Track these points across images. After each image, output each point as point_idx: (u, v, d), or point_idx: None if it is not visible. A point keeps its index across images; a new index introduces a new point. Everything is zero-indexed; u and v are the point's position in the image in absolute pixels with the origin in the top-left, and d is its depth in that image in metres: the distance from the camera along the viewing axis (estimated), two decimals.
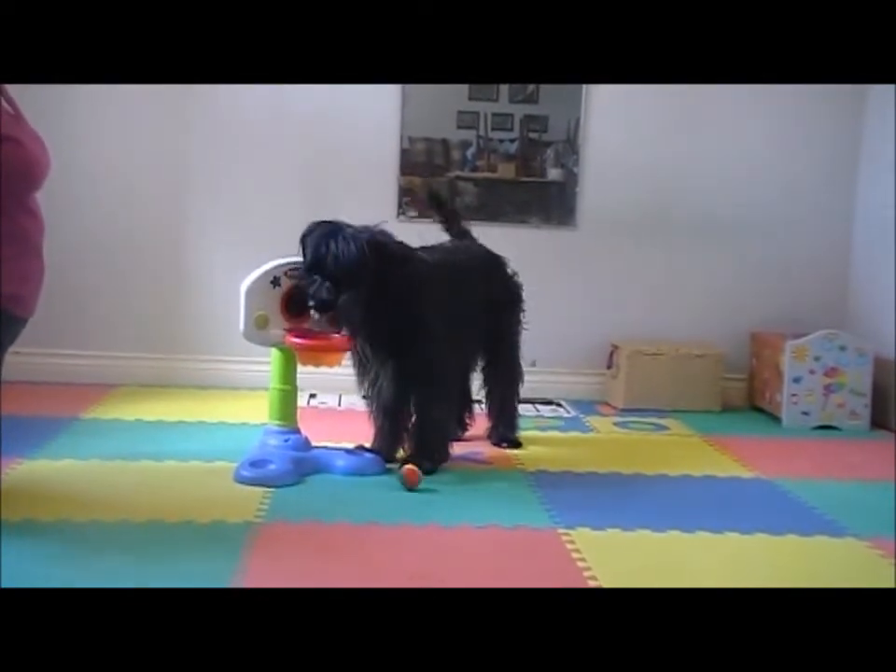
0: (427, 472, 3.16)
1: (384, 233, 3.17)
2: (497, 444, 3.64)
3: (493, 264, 3.62)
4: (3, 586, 2.20)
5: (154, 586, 2.27)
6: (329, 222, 3.13)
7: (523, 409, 4.35)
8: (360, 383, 3.33)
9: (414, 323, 3.18)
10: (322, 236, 3.08)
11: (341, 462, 3.23)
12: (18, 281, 2.80)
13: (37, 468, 3.17)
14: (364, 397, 3.37)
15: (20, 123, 2.81)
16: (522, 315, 3.68)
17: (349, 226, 3.11)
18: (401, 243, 3.24)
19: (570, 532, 2.79)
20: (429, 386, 3.25)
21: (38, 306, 2.93)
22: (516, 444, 3.66)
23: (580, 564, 2.56)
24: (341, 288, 3.06)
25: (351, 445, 3.37)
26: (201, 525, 2.73)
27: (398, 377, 3.22)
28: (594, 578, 2.46)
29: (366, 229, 3.12)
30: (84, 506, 2.82)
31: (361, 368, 3.29)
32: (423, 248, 3.36)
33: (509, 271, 3.66)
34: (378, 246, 3.09)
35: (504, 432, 3.67)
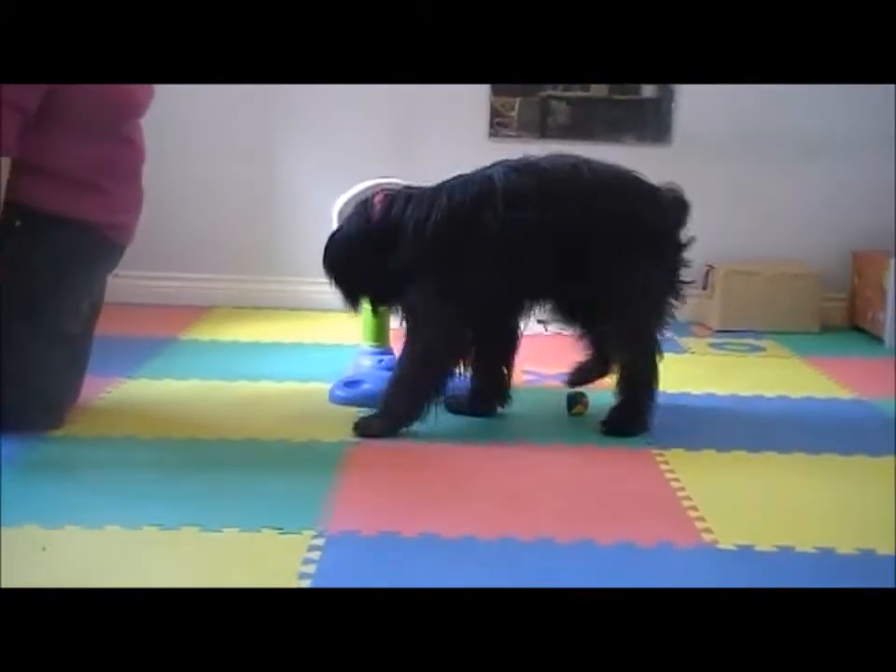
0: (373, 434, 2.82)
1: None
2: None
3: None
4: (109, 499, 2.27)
5: (248, 501, 2.34)
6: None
7: None
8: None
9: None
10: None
11: None
12: (117, 210, 2.86)
13: (138, 386, 3.25)
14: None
15: None
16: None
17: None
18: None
19: (665, 452, 2.77)
20: None
21: (138, 231, 2.99)
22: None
23: (673, 484, 2.54)
24: None
25: None
26: (295, 443, 2.77)
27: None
28: (688, 498, 2.45)
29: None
30: (183, 424, 2.88)
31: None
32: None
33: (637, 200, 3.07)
34: None
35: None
